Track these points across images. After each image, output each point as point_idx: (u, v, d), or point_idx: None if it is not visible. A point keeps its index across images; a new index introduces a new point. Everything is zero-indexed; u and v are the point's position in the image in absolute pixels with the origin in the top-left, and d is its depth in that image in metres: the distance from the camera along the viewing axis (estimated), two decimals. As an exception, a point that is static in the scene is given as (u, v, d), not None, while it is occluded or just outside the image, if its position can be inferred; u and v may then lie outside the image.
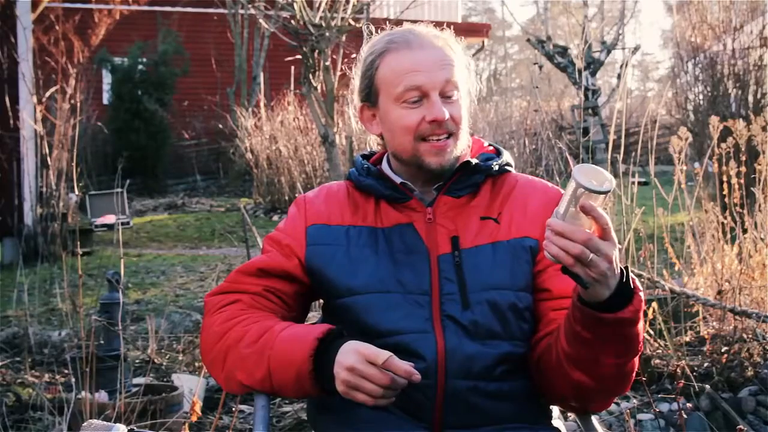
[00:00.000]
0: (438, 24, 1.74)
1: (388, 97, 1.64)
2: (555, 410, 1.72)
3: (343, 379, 1.45)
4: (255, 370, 1.56)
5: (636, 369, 1.55)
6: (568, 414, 2.81)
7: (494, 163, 1.69)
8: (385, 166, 1.72)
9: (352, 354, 1.45)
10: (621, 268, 1.40)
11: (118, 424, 1.47)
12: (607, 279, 1.37)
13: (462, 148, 1.65)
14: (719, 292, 3.77)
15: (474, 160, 1.67)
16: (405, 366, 1.43)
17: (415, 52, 1.61)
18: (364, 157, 1.77)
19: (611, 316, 1.41)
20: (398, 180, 1.68)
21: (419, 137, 1.62)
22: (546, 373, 1.58)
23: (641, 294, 1.43)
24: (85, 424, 1.50)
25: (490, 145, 1.77)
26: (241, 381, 1.60)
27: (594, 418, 1.68)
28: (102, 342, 3.66)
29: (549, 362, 1.56)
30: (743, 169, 4.03)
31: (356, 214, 1.68)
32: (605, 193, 1.34)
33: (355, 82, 1.72)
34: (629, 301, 1.41)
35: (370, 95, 1.67)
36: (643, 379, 2.56)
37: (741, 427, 1.86)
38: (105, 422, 1.48)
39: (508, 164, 1.72)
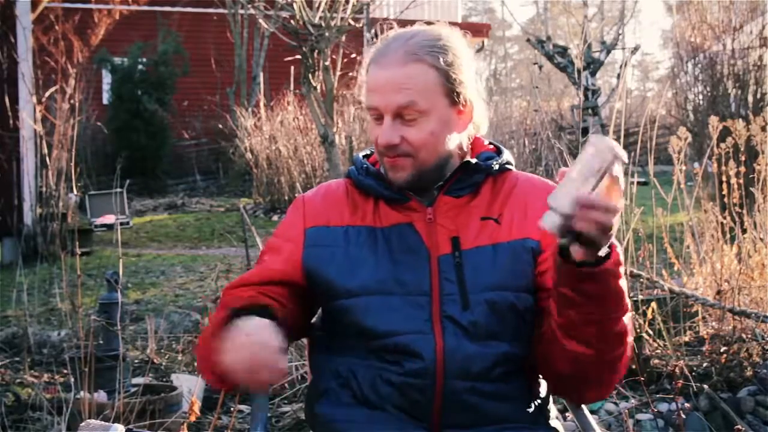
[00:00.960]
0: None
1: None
2: (553, 410, 1.72)
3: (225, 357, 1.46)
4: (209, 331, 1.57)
5: (627, 335, 1.54)
6: (567, 414, 2.82)
7: (494, 162, 1.68)
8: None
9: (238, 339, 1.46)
10: None
11: (116, 424, 1.47)
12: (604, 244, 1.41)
13: (430, 165, 1.62)
14: (718, 292, 3.77)
15: (473, 160, 1.66)
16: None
17: (380, 71, 1.60)
18: (363, 156, 1.77)
19: (596, 270, 1.42)
20: (396, 181, 1.67)
21: (380, 152, 1.65)
22: (544, 355, 1.59)
23: (618, 249, 1.45)
24: (83, 424, 1.50)
25: (490, 143, 1.76)
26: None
27: (591, 418, 1.68)
28: (101, 342, 3.66)
29: (546, 343, 1.57)
30: (742, 169, 4.04)
31: (355, 214, 1.68)
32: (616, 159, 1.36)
33: None
34: (608, 255, 1.43)
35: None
36: (642, 378, 2.57)
37: (739, 427, 1.86)
38: (103, 422, 1.48)
39: (508, 163, 1.71)
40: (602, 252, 1.40)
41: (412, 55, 1.58)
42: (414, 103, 1.57)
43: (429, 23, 1.71)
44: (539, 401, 1.67)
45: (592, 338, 1.50)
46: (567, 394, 1.68)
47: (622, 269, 1.46)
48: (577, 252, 1.40)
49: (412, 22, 1.71)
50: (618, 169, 1.35)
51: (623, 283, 1.47)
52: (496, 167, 1.68)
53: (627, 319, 1.52)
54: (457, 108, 1.63)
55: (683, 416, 2.85)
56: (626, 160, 1.35)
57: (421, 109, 1.58)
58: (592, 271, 1.42)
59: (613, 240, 1.42)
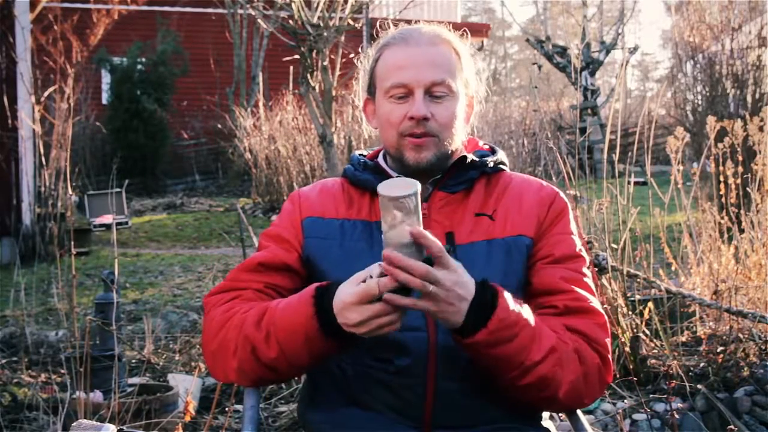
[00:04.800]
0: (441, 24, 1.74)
1: (380, 91, 1.65)
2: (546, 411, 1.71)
3: (362, 333, 1.41)
4: (267, 351, 1.52)
5: (549, 379, 1.50)
6: (561, 415, 2.81)
7: (489, 160, 1.69)
8: (381, 160, 1.73)
9: (348, 312, 1.40)
10: (483, 285, 1.43)
11: (107, 424, 1.46)
12: (451, 307, 1.40)
13: (449, 150, 1.64)
14: (715, 292, 3.77)
15: (470, 156, 1.67)
16: (391, 278, 1.37)
17: (408, 49, 1.61)
18: (360, 154, 1.78)
19: (462, 341, 1.44)
20: (395, 174, 1.67)
21: (401, 133, 1.62)
22: None
23: (510, 307, 1.43)
24: (74, 423, 1.49)
25: (485, 144, 1.78)
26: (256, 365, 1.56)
27: (584, 419, 1.67)
28: (97, 342, 3.66)
29: None
30: (740, 169, 4.03)
31: (351, 208, 1.69)
32: (406, 196, 1.33)
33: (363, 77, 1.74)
34: (484, 323, 1.42)
35: (370, 89, 1.69)
36: (635, 379, 2.57)
37: (732, 427, 1.86)
38: (94, 422, 1.48)
39: (502, 162, 1.72)
40: (459, 318, 1.41)
41: (439, 37, 1.64)
42: (445, 81, 1.61)
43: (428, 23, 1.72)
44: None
45: (506, 387, 1.53)
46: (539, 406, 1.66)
47: (513, 332, 1.44)
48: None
49: (411, 22, 1.72)
50: (396, 206, 1.33)
51: (520, 343, 1.45)
52: (491, 165, 1.69)
53: (543, 370, 1.49)
54: (468, 98, 1.68)
55: (677, 416, 2.85)
56: (401, 193, 1.33)
57: (450, 87, 1.61)
58: (463, 342, 1.44)
59: (506, 303, 1.43)
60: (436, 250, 1.35)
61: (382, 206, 1.35)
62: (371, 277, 1.38)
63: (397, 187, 1.35)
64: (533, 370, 1.48)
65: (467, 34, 1.71)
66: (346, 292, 1.40)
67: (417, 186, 1.35)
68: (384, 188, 1.35)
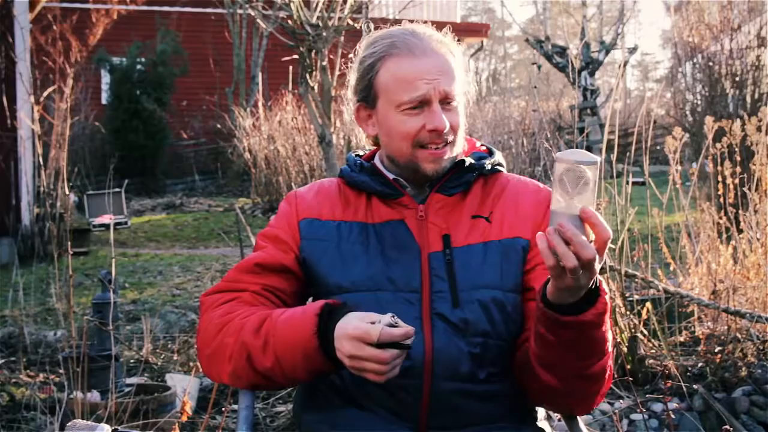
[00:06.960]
0: (438, 24, 1.73)
1: (388, 103, 1.62)
2: (541, 411, 1.71)
3: (347, 365, 1.43)
4: (263, 359, 1.53)
5: (609, 370, 1.53)
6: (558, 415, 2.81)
7: (487, 162, 1.69)
8: (377, 162, 1.72)
9: (346, 341, 1.41)
10: None
11: (102, 424, 1.46)
12: (581, 290, 1.38)
13: (458, 152, 1.65)
14: (713, 292, 3.77)
15: (468, 159, 1.67)
16: (400, 332, 1.39)
17: (418, 60, 1.59)
18: (356, 155, 1.77)
19: (572, 319, 1.40)
20: (391, 176, 1.67)
21: (417, 144, 1.61)
22: (521, 372, 1.58)
23: (607, 296, 1.42)
24: (69, 424, 1.49)
25: (482, 145, 1.77)
26: (251, 372, 1.56)
27: (581, 420, 1.67)
28: (95, 342, 3.66)
29: (523, 361, 1.56)
30: (738, 169, 4.03)
31: (347, 210, 1.68)
32: (593, 163, 1.32)
33: (352, 79, 1.70)
34: (593, 304, 1.40)
35: (368, 97, 1.66)
36: (630, 379, 2.57)
37: (727, 427, 1.86)
38: (89, 422, 1.47)
39: (499, 164, 1.72)
40: (572, 300, 1.39)
41: (439, 42, 1.63)
42: (455, 89, 1.61)
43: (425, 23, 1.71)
44: (527, 402, 1.66)
45: (565, 378, 1.50)
46: (545, 404, 1.67)
47: (607, 317, 1.44)
48: (552, 294, 1.40)
49: (410, 23, 1.70)
50: (576, 174, 1.32)
51: (606, 330, 1.46)
52: (489, 167, 1.69)
53: (607, 360, 1.50)
54: (465, 97, 1.68)
55: (673, 416, 2.84)
56: (596, 159, 1.32)
57: (458, 95, 1.62)
58: (572, 320, 1.41)
59: (604, 287, 1.41)
60: (605, 235, 1.33)
61: (557, 176, 1.33)
62: (380, 322, 1.40)
63: (577, 156, 1.33)
64: (602, 359, 1.49)
65: (450, 30, 1.70)
66: (352, 323, 1.42)
67: (598, 159, 1.33)
68: (565, 155, 1.33)
